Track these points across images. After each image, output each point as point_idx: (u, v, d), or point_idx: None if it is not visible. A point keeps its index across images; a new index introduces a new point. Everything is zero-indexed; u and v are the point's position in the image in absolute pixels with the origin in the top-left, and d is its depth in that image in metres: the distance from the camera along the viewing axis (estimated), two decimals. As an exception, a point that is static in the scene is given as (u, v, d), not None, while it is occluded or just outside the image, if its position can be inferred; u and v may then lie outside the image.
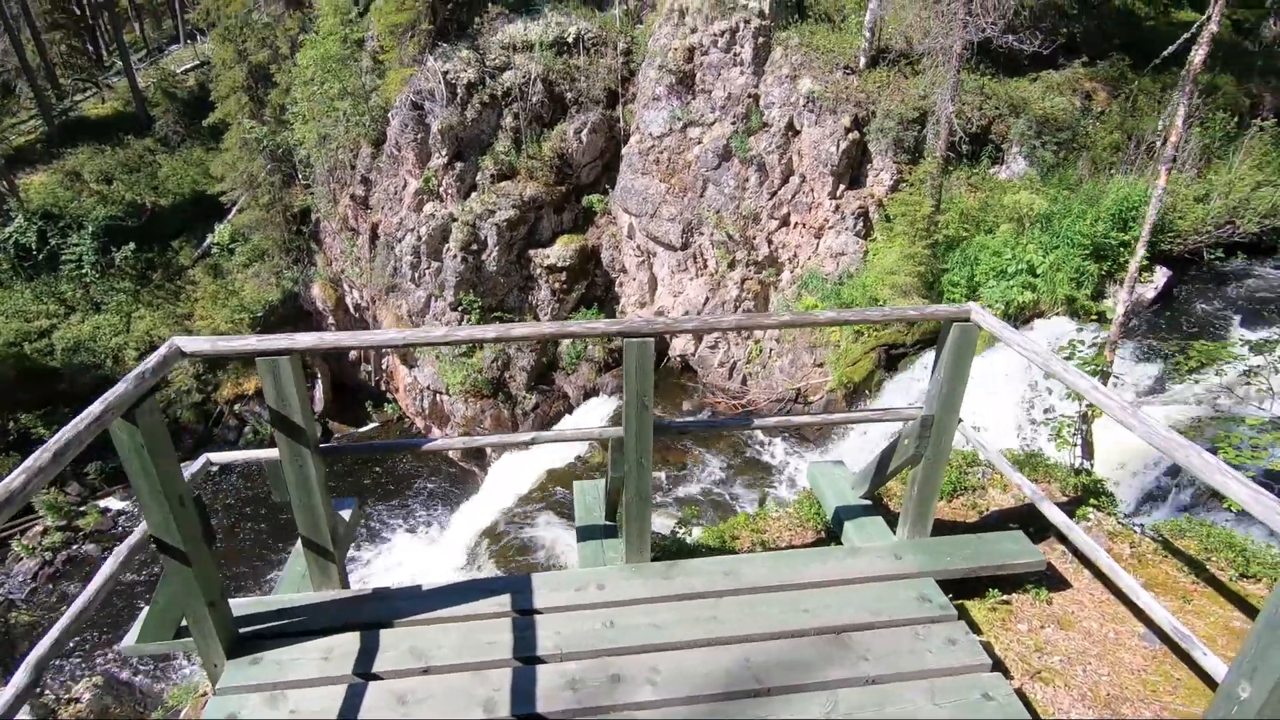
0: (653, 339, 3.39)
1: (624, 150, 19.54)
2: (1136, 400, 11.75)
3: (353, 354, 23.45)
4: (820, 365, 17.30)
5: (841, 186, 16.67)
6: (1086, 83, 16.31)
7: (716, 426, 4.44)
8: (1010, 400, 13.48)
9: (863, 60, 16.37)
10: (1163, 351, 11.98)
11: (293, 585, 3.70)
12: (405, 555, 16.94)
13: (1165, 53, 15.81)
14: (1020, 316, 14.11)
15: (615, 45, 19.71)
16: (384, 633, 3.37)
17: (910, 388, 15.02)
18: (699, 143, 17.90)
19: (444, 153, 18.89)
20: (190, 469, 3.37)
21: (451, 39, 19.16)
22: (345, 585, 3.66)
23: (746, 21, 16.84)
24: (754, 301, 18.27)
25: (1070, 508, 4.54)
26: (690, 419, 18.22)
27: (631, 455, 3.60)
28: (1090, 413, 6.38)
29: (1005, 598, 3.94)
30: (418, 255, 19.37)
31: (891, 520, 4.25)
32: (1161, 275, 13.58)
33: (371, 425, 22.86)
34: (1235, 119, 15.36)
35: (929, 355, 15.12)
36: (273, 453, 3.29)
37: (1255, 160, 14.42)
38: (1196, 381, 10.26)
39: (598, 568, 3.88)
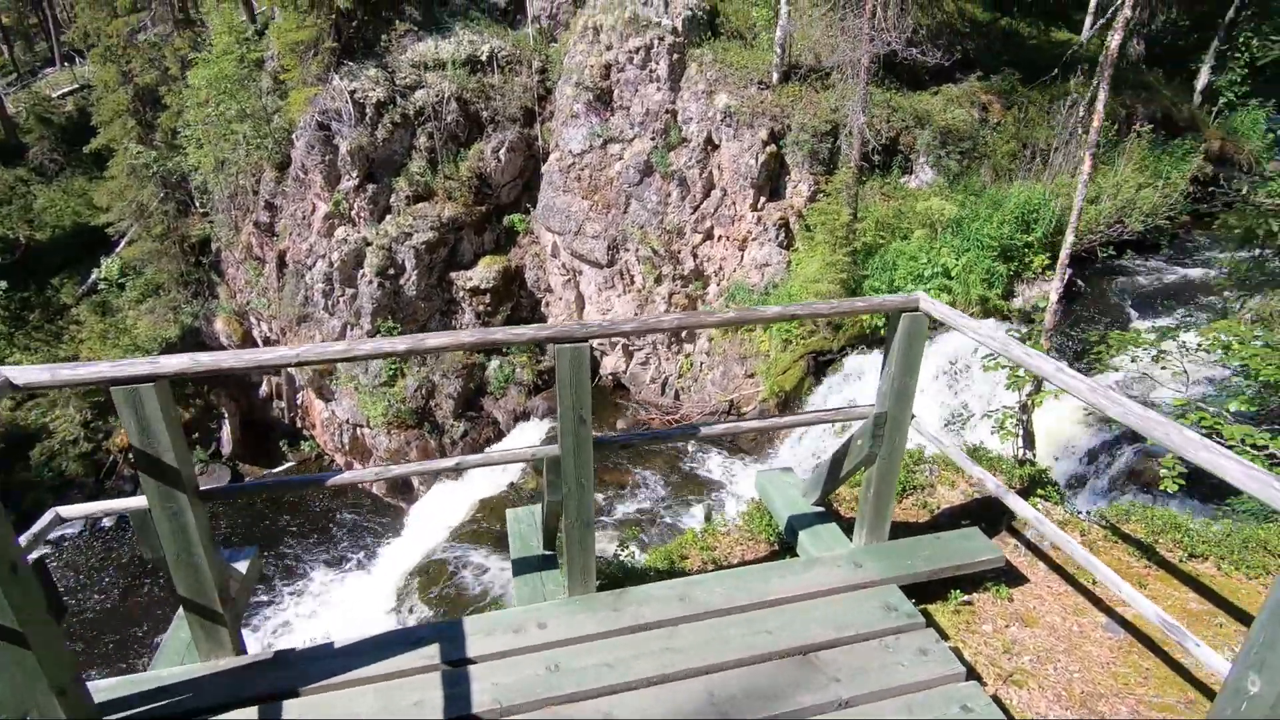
0: (587, 345, 3.06)
1: (544, 168, 19.24)
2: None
3: (263, 389, 21.99)
4: (752, 376, 17.38)
5: (762, 199, 16.89)
6: (982, 96, 17.20)
7: (661, 438, 4.15)
8: (934, 398, 13.87)
9: (775, 76, 16.72)
10: (1077, 342, 12.58)
11: (174, 657, 3.13)
12: (326, 604, 15.79)
13: (1072, 57, 16.86)
14: (939, 318, 14.57)
15: (530, 63, 19.47)
16: (288, 704, 2.86)
17: (841, 391, 15.23)
18: (620, 159, 17.81)
19: (355, 174, 18.07)
20: (35, 527, 2.79)
21: (358, 57, 18.43)
22: (240, 651, 3.13)
23: (660, 39, 16.93)
24: (683, 316, 18.20)
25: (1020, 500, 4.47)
26: (634, 432, 17.87)
27: (570, 475, 3.26)
28: (1031, 402, 6.45)
29: (967, 598, 3.79)
30: (330, 282, 18.38)
31: (846, 526, 4.05)
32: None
33: (287, 465, 21.41)
34: (1115, 127, 16.50)
35: (854, 359, 15.40)
36: (138, 502, 2.76)
37: (1135, 164, 15.51)
38: (1116, 369, 10.75)
39: (538, 604, 3.49)
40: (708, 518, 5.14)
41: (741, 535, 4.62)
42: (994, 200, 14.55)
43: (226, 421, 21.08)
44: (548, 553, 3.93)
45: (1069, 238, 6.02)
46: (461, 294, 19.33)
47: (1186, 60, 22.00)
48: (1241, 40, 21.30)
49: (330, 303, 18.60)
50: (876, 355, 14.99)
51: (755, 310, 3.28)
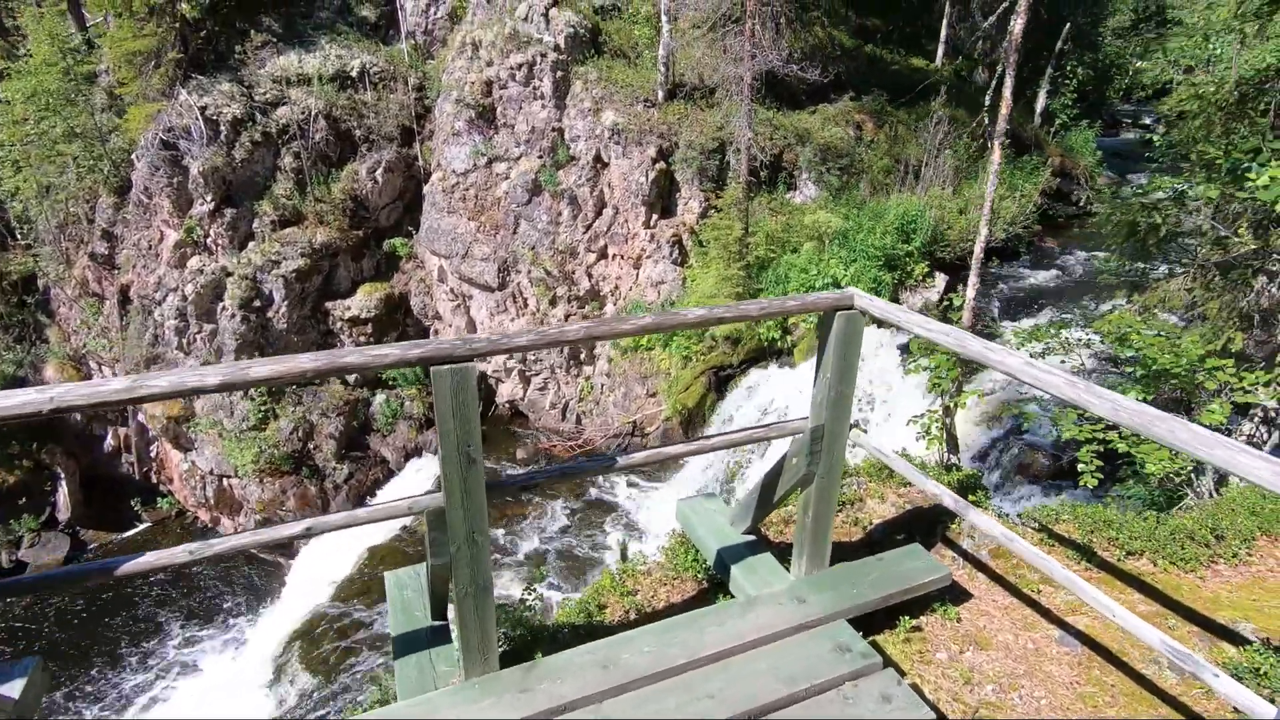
0: (473, 365, 2.47)
1: (426, 189, 18.24)
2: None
3: (108, 442, 19.32)
4: (653, 395, 17.07)
5: (654, 216, 16.74)
6: (856, 115, 17.97)
7: (573, 473, 3.55)
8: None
9: (660, 94, 16.71)
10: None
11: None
12: (193, 686, 13.79)
13: (929, 83, 17.86)
14: (832, 328, 14.87)
15: (406, 80, 18.50)
16: None
17: (743, 405, 15.18)
18: (506, 178, 17.15)
19: (209, 198, 16.32)
20: None
21: (209, 70, 16.78)
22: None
23: (543, 55, 16.53)
24: (580, 338, 17.67)
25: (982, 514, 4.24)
26: (537, 470, 17.05)
27: (460, 530, 2.63)
28: (954, 405, 6.36)
29: (916, 623, 3.46)
30: (184, 318, 16.43)
31: (781, 554, 3.62)
32: (940, 280, 15.02)
33: (142, 527, 18.83)
34: (973, 143, 17.69)
35: (755, 374, 15.42)
36: None
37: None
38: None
39: (427, 694, 2.80)
40: (623, 555, 4.59)
41: (665, 574, 4.10)
42: (875, 212, 15.10)
43: (63, 482, 18.30)
44: (437, 624, 3.24)
45: (983, 230, 5.90)
46: (340, 325, 17.87)
47: (1026, 86, 24.13)
48: (1069, 69, 23.68)
49: (185, 341, 16.62)
50: (775, 369, 15.08)
51: (676, 314, 2.81)
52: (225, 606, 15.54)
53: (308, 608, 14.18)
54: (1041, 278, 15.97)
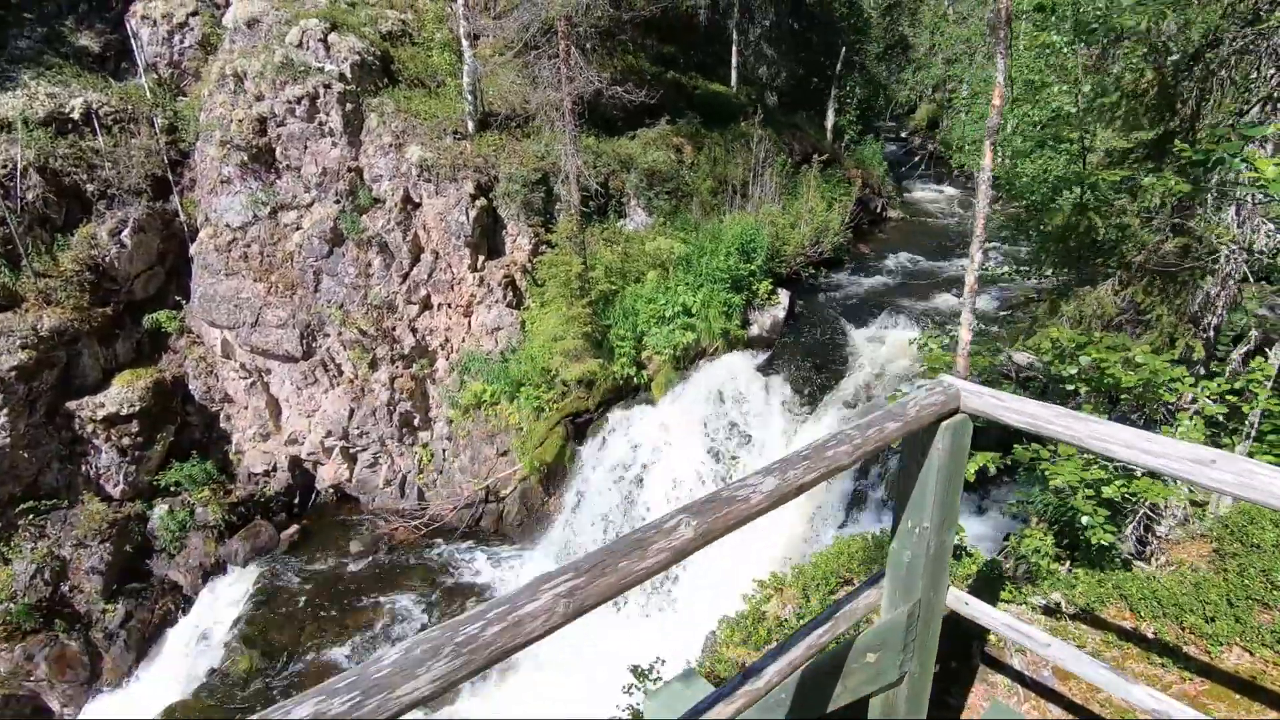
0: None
1: (194, 249, 15.12)
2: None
3: None
4: (505, 454, 15.36)
5: (481, 257, 15.16)
6: (675, 139, 17.78)
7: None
8: (695, 447, 13.35)
9: (470, 124, 15.26)
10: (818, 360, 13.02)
11: None
12: None
13: (734, 105, 18.05)
14: (687, 357, 14.25)
15: (151, 121, 15.29)
16: None
17: (605, 451, 14.02)
18: (298, 228, 14.66)
19: None
20: None
21: None
22: None
23: (326, 86, 14.38)
24: (411, 400, 15.52)
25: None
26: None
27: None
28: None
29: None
30: None
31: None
32: (784, 296, 15.03)
33: None
34: (787, 161, 18.24)
35: (616, 415, 14.34)
36: None
37: (814, 191, 17.20)
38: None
39: None
40: None
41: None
42: (713, 234, 14.80)
43: None
44: None
45: (975, 255, 5.14)
46: (91, 427, 14.11)
47: (816, 104, 25.86)
48: (849, 89, 25.73)
49: None
50: (636, 409, 14.11)
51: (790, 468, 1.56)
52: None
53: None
54: (870, 282, 16.66)
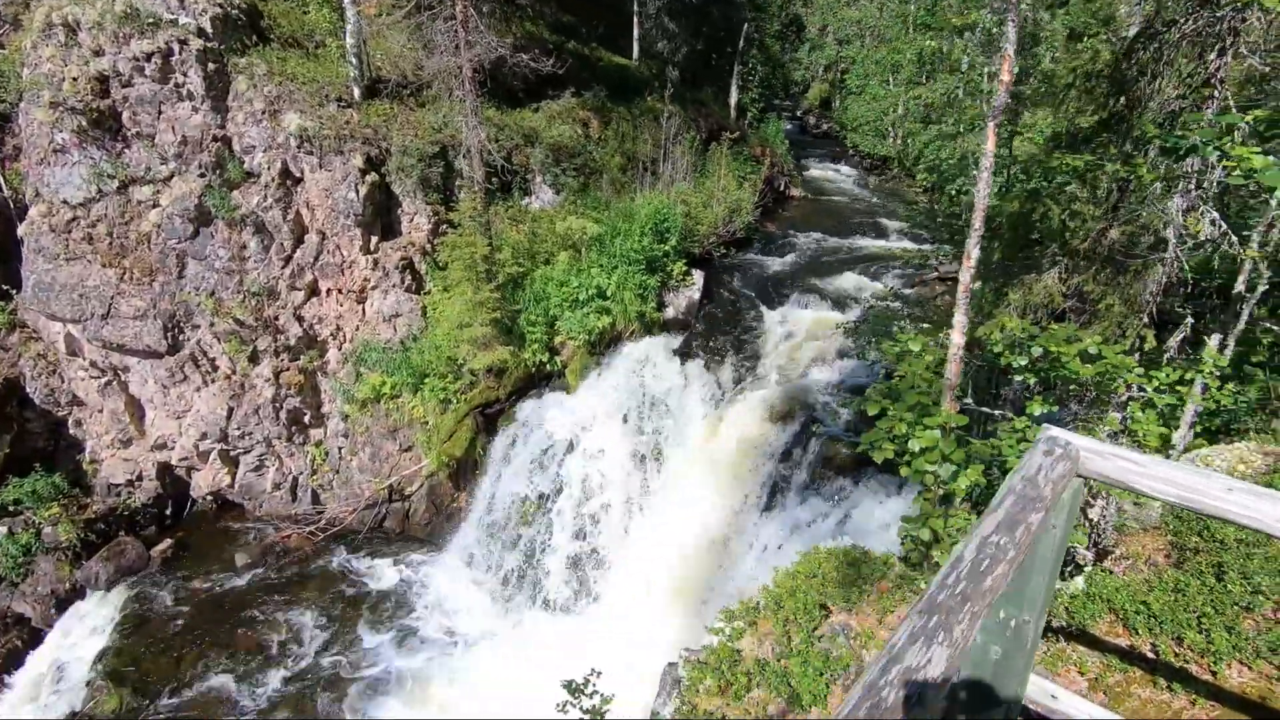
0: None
1: (23, 231, 12.96)
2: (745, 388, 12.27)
3: None
4: (409, 449, 14.34)
5: (374, 238, 13.91)
6: (581, 112, 17.01)
7: None
8: (615, 436, 12.91)
9: (357, 91, 13.86)
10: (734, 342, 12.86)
11: None
12: None
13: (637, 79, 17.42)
14: (603, 341, 13.74)
15: (-43, 76, 12.86)
16: None
17: (522, 442, 13.34)
18: (155, 205, 12.84)
19: None
20: None
21: None
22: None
23: (183, 42, 12.56)
24: (300, 396, 14.14)
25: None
26: None
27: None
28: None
29: None
30: None
31: None
32: (698, 277, 14.78)
33: None
34: (698, 138, 17.91)
35: (529, 405, 13.65)
36: None
37: (725, 170, 16.99)
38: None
39: None
40: None
41: None
42: (625, 213, 14.27)
43: None
44: None
45: (973, 250, 4.72)
46: (-102, 444, 11.91)
47: (719, 81, 25.68)
48: (751, 67, 25.71)
49: None
50: (550, 397, 13.48)
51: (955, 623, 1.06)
52: None
53: None
54: (780, 262, 16.70)
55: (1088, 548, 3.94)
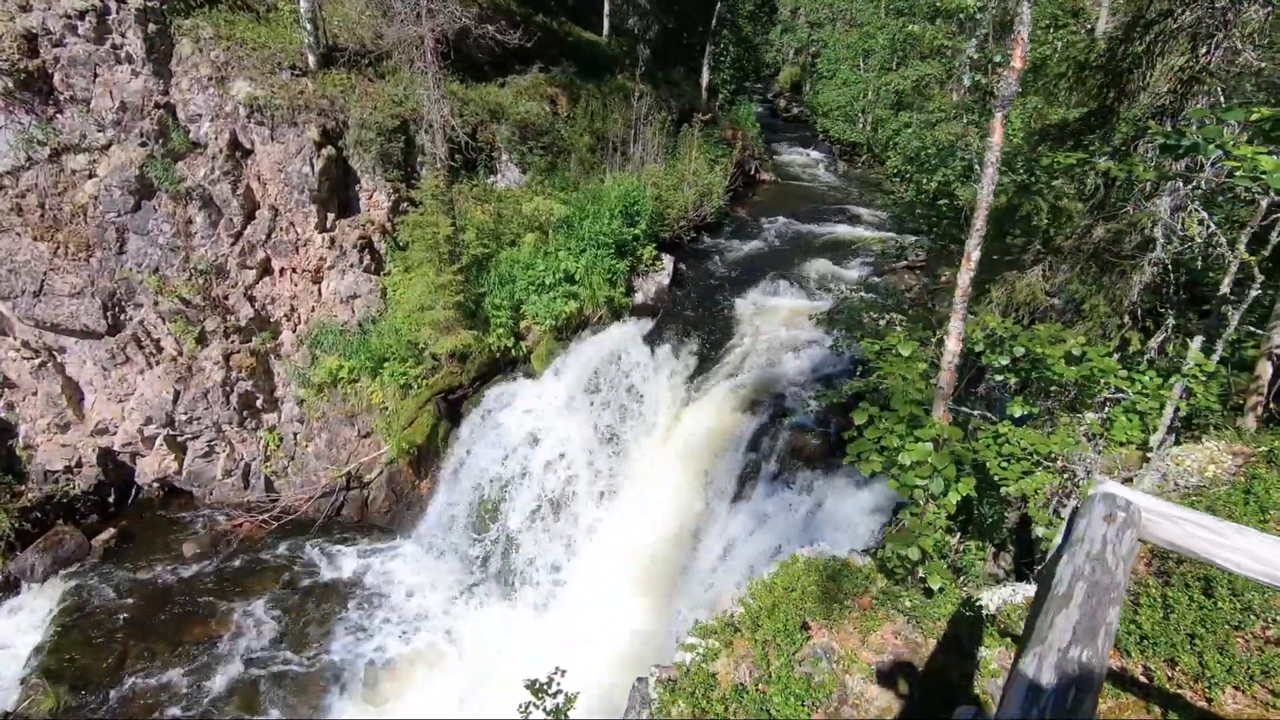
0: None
1: (-56, 198, 12.02)
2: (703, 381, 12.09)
3: None
4: (368, 436, 13.89)
5: (331, 215, 13.30)
6: (549, 89, 16.50)
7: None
8: (582, 423, 12.63)
9: (312, 59, 13.16)
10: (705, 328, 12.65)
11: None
12: None
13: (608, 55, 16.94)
14: (570, 327, 13.41)
15: None
16: None
17: (483, 431, 12.99)
18: (91, 175, 12.04)
19: None
20: None
21: None
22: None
23: (121, 2, 11.71)
24: (252, 379, 13.54)
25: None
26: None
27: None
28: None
29: None
30: None
31: None
32: (668, 261, 14.51)
33: None
34: (669, 119, 17.53)
35: (495, 390, 13.30)
36: None
37: (697, 152, 16.67)
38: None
39: None
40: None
41: None
42: (594, 194, 13.89)
43: None
44: None
45: (973, 251, 4.42)
46: None
47: (690, 61, 25.23)
48: (723, 47, 25.30)
49: None
50: (518, 383, 13.13)
51: None
52: None
53: None
54: (750, 247, 16.51)
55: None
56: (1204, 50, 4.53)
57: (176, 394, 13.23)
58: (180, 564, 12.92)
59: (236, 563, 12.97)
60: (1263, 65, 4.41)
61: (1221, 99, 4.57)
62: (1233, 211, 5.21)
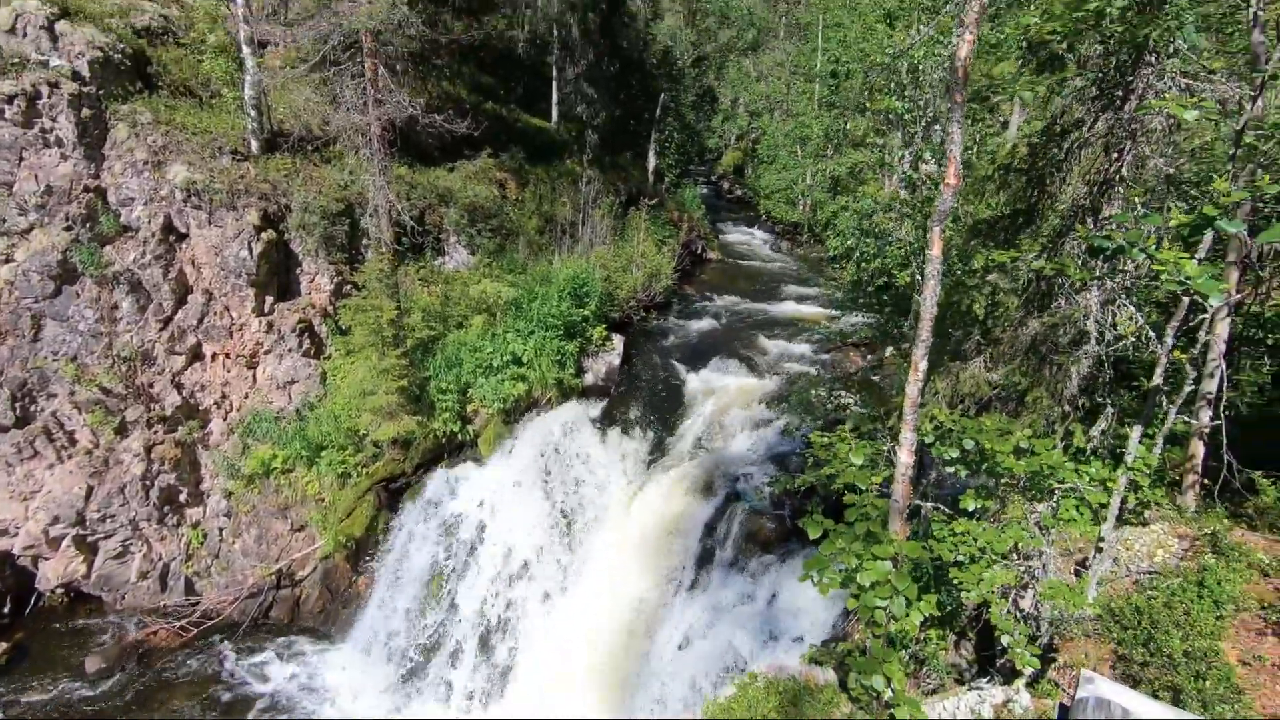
0: None
1: None
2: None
3: None
4: (302, 529, 13.06)
5: (269, 299, 12.91)
6: (498, 173, 16.73)
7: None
8: (531, 511, 12.18)
9: (254, 144, 13.05)
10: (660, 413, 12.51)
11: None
12: None
13: (555, 141, 17.36)
14: (518, 409, 13.10)
15: None
16: None
17: (425, 521, 12.37)
18: (7, 260, 11.44)
19: None
20: None
21: None
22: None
23: (53, 85, 11.47)
24: (175, 472, 12.68)
25: None
26: None
27: None
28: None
29: None
30: None
31: None
32: (618, 341, 14.48)
33: None
34: (617, 201, 17.92)
35: (438, 477, 12.76)
36: None
37: (644, 234, 17.00)
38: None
39: None
40: None
41: None
42: (543, 276, 13.90)
43: None
44: None
45: (924, 332, 4.36)
46: None
47: (636, 146, 26.17)
48: (668, 134, 26.39)
49: None
50: (462, 469, 12.63)
51: None
52: None
53: None
54: (700, 326, 16.66)
55: (1030, 650, 3.71)
56: (1114, 156, 4.87)
57: (90, 489, 12.26)
58: (81, 682, 11.66)
59: (147, 678, 11.77)
60: (1170, 170, 4.75)
61: (1137, 202, 4.87)
62: (1157, 299, 5.48)
